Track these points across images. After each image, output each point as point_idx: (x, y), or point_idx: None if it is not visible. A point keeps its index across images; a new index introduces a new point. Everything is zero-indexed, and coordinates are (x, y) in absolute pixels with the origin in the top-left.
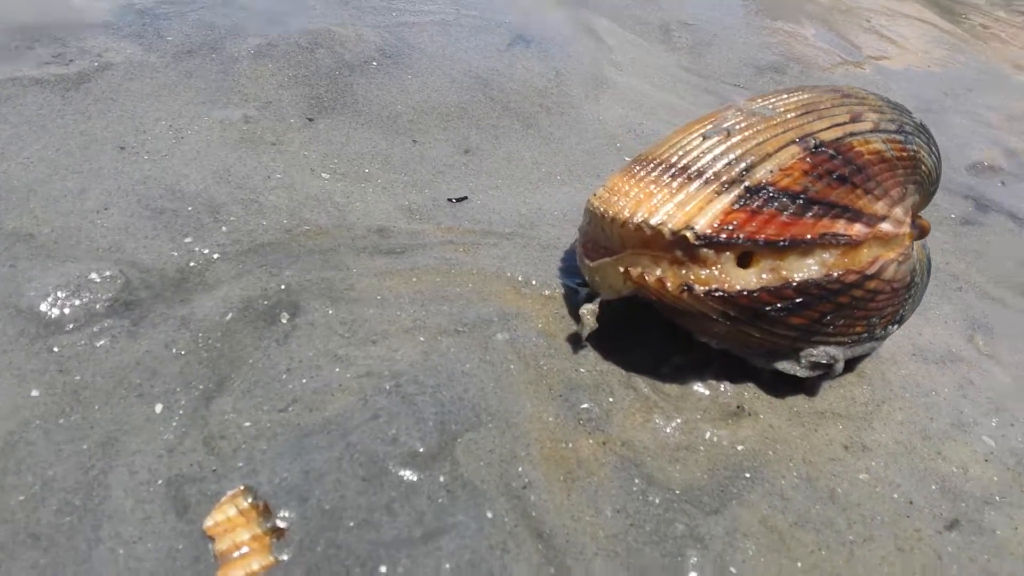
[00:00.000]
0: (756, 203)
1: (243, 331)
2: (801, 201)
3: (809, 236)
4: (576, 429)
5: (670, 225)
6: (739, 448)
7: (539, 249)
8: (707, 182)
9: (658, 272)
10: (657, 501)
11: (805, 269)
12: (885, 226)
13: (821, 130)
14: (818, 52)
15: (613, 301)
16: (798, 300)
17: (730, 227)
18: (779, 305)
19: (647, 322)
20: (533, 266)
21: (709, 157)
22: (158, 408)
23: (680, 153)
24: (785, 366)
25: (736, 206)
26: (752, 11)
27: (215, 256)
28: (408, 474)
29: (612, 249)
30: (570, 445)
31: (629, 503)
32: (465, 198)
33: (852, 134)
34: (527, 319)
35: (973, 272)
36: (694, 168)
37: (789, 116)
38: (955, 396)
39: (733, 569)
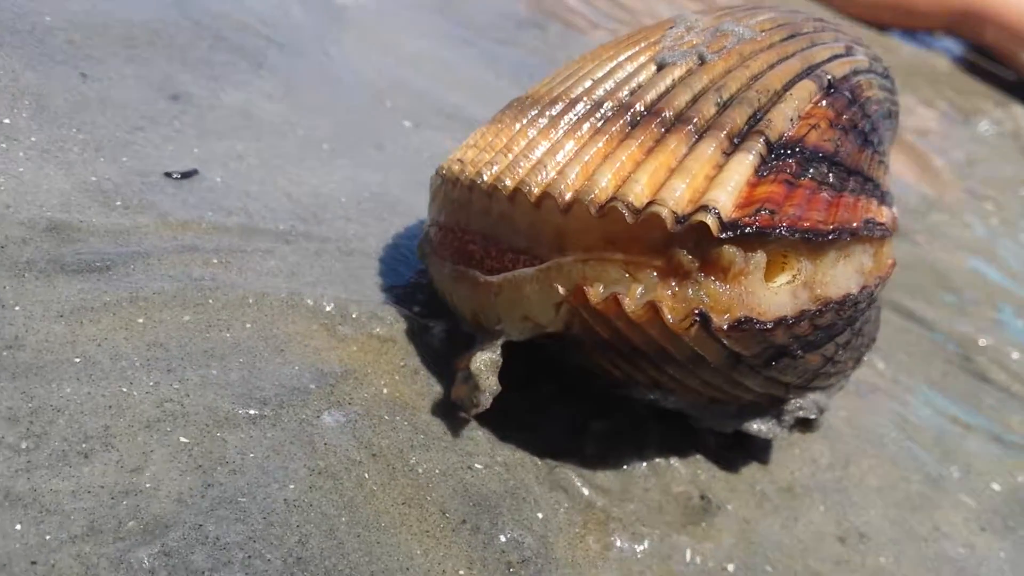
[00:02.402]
0: (789, 169)
1: None
2: (837, 168)
3: (855, 224)
4: None
5: (671, 204)
6: (730, 569)
7: (340, 257)
8: (700, 134)
9: (639, 291)
10: None
11: (843, 279)
12: (896, 210)
13: (825, 61)
14: (567, 11)
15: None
16: (830, 327)
17: (768, 208)
18: (810, 339)
19: (530, 368)
20: (342, 287)
21: (686, 95)
22: None
23: (631, 86)
24: (760, 427)
25: (762, 173)
26: None
27: None
28: None
29: (530, 252)
30: None
31: None
32: (195, 171)
33: (856, 72)
34: (362, 381)
35: None
36: (669, 112)
37: (776, 39)
38: (904, 441)
39: None
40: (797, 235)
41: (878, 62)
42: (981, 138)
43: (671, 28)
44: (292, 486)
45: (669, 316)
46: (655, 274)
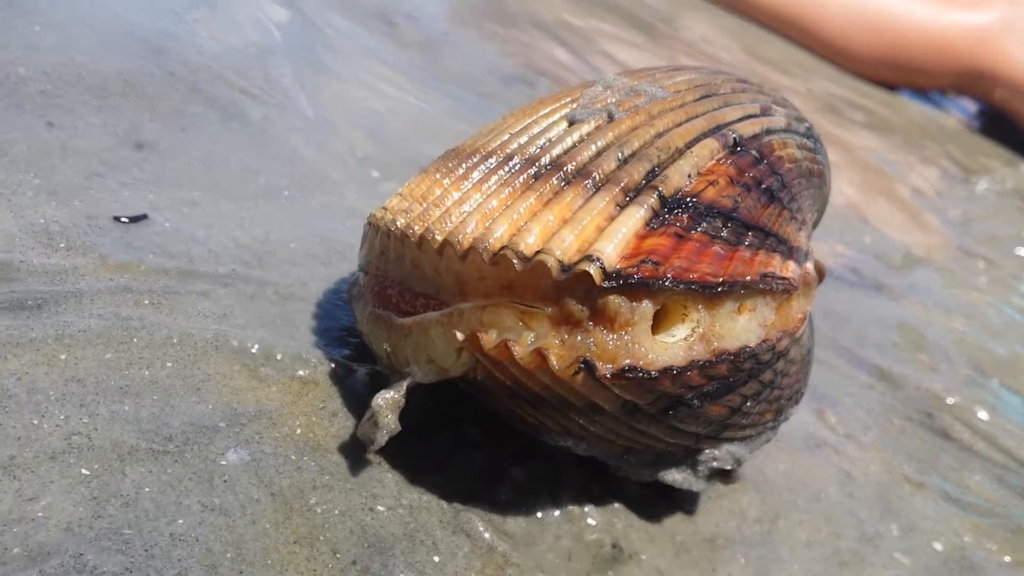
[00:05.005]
0: (680, 223)
1: None
2: (733, 223)
3: (749, 277)
4: None
5: (558, 253)
6: None
7: (277, 301)
8: (598, 188)
9: (531, 339)
10: None
11: (742, 331)
12: (809, 266)
13: (735, 121)
14: (560, 68)
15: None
16: (729, 380)
17: (653, 260)
18: (706, 389)
19: (457, 412)
20: (273, 329)
21: (590, 150)
22: None
23: (540, 143)
24: (676, 477)
25: (652, 226)
26: (480, 14)
27: None
28: None
29: (437, 297)
30: None
31: None
32: (144, 216)
33: (769, 132)
34: (275, 422)
35: None
36: (571, 166)
37: (688, 99)
38: (843, 497)
39: None
40: (682, 286)
41: (800, 123)
42: (981, 196)
43: (590, 87)
44: (181, 521)
45: (555, 363)
46: (547, 322)
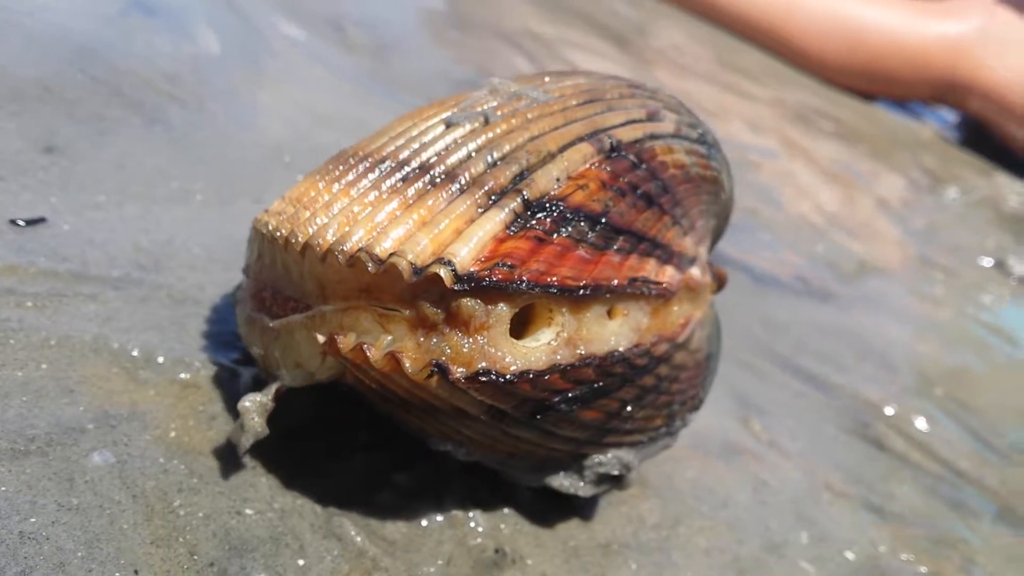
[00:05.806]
0: (542, 226)
1: None
2: (602, 227)
3: (616, 282)
4: None
5: (411, 256)
6: None
7: (169, 305)
8: (463, 190)
9: (387, 341)
10: None
11: (611, 336)
12: (695, 271)
13: (616, 126)
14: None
15: (300, 388)
16: (597, 384)
17: (508, 263)
18: (572, 394)
19: (346, 415)
20: (159, 333)
21: (461, 153)
22: None
23: (414, 146)
24: (563, 483)
25: (512, 230)
26: (440, 22)
27: None
28: None
29: (303, 300)
30: None
31: None
32: (42, 219)
33: (654, 137)
34: (148, 424)
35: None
36: (439, 169)
37: (571, 103)
38: (754, 504)
39: None
40: (539, 289)
41: (692, 128)
42: (949, 206)
43: (475, 91)
44: (34, 519)
45: (409, 366)
46: (405, 325)
